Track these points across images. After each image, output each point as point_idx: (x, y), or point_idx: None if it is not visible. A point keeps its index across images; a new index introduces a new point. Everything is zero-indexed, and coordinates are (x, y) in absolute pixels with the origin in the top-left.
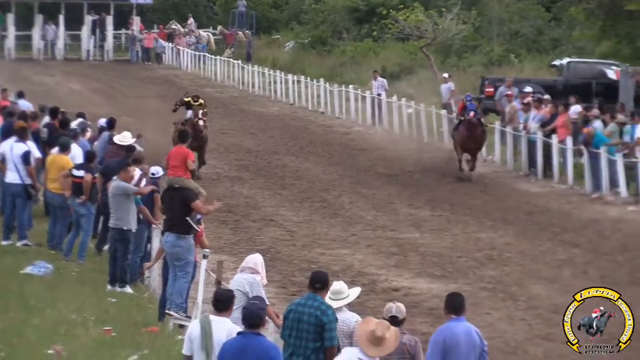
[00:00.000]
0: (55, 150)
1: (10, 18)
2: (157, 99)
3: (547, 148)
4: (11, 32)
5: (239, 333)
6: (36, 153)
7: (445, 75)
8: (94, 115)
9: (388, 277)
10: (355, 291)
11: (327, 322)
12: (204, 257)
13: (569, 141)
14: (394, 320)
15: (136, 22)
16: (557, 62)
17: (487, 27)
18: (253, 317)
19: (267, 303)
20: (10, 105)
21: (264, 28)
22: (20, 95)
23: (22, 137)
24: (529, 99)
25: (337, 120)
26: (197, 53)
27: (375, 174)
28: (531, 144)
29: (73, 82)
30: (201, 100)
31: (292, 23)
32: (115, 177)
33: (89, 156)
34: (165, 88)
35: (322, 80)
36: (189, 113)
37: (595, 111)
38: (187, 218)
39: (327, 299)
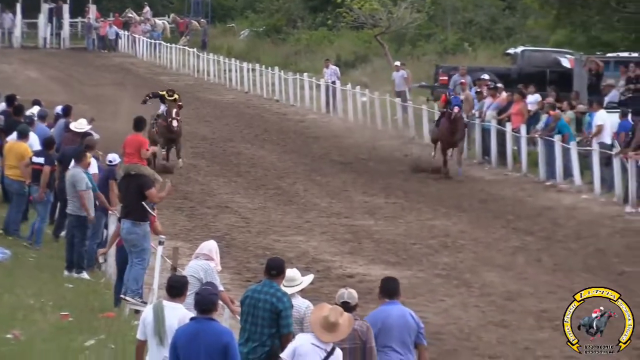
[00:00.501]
0: (13, 137)
1: None
2: (113, 87)
3: (501, 136)
4: None
5: (192, 318)
6: None
7: (397, 63)
8: (51, 102)
9: (342, 264)
10: (308, 278)
11: (282, 309)
12: (160, 243)
13: (523, 129)
14: (346, 306)
15: (92, 10)
16: (511, 51)
17: (441, 16)
18: (205, 303)
19: (222, 289)
20: None
21: (219, 16)
22: None
23: None
24: (484, 87)
25: (291, 108)
26: (152, 41)
27: (329, 161)
28: (485, 132)
29: (30, 70)
30: (176, 96)
31: (247, 11)
32: (73, 165)
33: (47, 143)
34: (121, 76)
35: (276, 68)
36: (162, 107)
37: (550, 99)
38: (143, 203)
39: (281, 286)
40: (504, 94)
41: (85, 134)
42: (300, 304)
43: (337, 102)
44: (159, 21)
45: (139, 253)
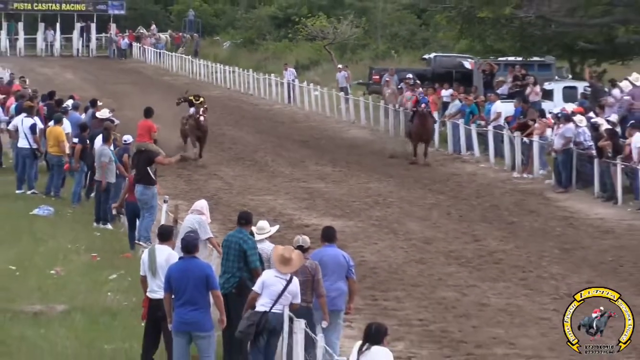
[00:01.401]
0: (51, 122)
1: (20, 26)
2: (129, 85)
3: None
4: (21, 36)
5: (180, 257)
6: (40, 125)
7: (340, 66)
8: (82, 97)
9: (301, 217)
10: (275, 227)
11: (247, 248)
12: (165, 201)
13: (436, 115)
14: (301, 249)
15: (113, 27)
16: (426, 56)
17: (374, 30)
18: (190, 245)
19: (212, 236)
20: (22, 89)
21: (208, 32)
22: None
23: (29, 113)
24: (407, 84)
25: (262, 100)
26: (157, 50)
27: (291, 140)
28: (407, 117)
29: (67, 73)
30: (202, 99)
31: (228, 28)
32: (100, 143)
33: (82, 127)
34: (135, 77)
35: (251, 70)
36: (192, 110)
37: (454, 92)
38: (148, 169)
39: (255, 234)
40: (420, 89)
41: (107, 120)
42: (267, 247)
43: (296, 95)
44: (162, 35)
45: (149, 209)
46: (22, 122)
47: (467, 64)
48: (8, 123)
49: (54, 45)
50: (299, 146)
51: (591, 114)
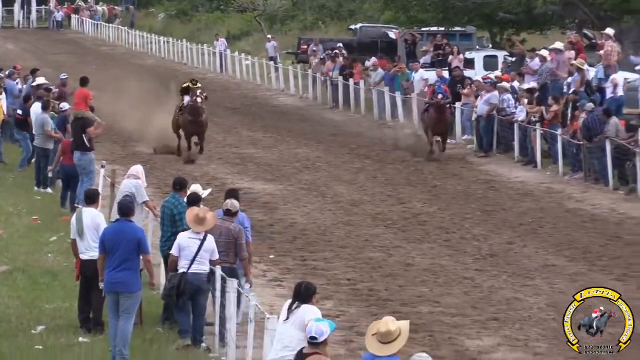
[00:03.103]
0: None
1: None
2: (68, 55)
3: (345, 87)
4: None
5: (116, 220)
6: None
7: (269, 36)
8: (24, 67)
9: (233, 181)
10: (207, 191)
11: (176, 213)
12: (102, 166)
13: (362, 83)
14: (229, 212)
15: (52, 0)
16: (353, 27)
17: (302, 2)
18: (125, 209)
19: (148, 199)
20: None
21: (143, 4)
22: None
23: None
24: (326, 55)
25: (195, 69)
26: (95, 22)
27: (223, 107)
28: (334, 86)
29: (8, 43)
30: (199, 84)
31: (163, 0)
32: (40, 112)
33: (25, 98)
34: (73, 47)
35: (184, 40)
36: (186, 99)
37: (375, 61)
38: (83, 136)
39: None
40: (341, 59)
41: (43, 88)
42: None
43: (228, 65)
44: (99, 7)
45: (87, 174)
46: None
47: (392, 34)
48: None
49: None
50: (231, 113)
51: (515, 82)
